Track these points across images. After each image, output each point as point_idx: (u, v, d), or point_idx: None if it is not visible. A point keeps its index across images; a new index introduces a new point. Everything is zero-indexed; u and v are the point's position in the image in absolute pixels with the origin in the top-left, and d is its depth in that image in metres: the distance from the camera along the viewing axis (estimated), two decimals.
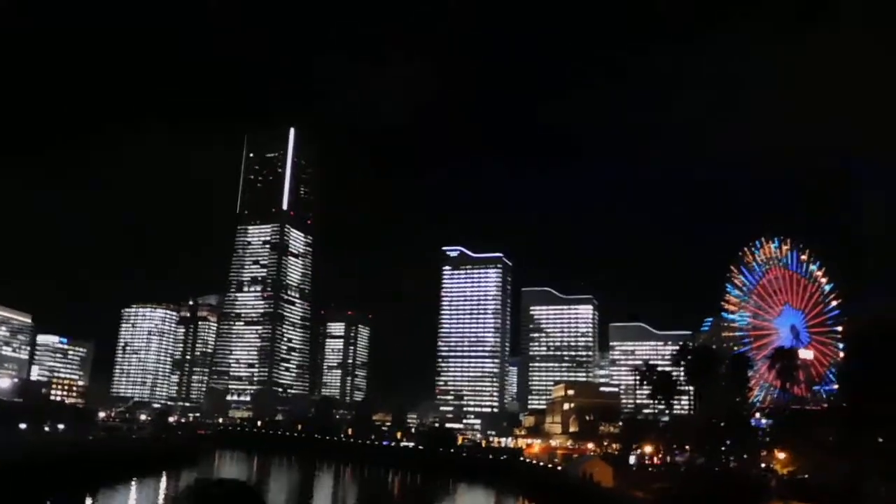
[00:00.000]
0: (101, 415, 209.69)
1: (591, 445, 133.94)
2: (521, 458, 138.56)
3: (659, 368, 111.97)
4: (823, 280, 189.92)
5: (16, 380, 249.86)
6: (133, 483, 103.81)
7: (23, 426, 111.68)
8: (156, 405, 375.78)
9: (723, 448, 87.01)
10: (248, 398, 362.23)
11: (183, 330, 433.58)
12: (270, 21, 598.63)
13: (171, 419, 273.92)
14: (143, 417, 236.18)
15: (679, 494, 55.93)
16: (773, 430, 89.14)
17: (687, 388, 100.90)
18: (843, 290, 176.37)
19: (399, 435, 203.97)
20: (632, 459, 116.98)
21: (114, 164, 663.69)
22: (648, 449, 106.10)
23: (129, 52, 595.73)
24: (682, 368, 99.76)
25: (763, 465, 71.29)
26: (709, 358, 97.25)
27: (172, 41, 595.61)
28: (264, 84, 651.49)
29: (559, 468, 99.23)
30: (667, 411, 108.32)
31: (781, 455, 60.17)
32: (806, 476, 51.80)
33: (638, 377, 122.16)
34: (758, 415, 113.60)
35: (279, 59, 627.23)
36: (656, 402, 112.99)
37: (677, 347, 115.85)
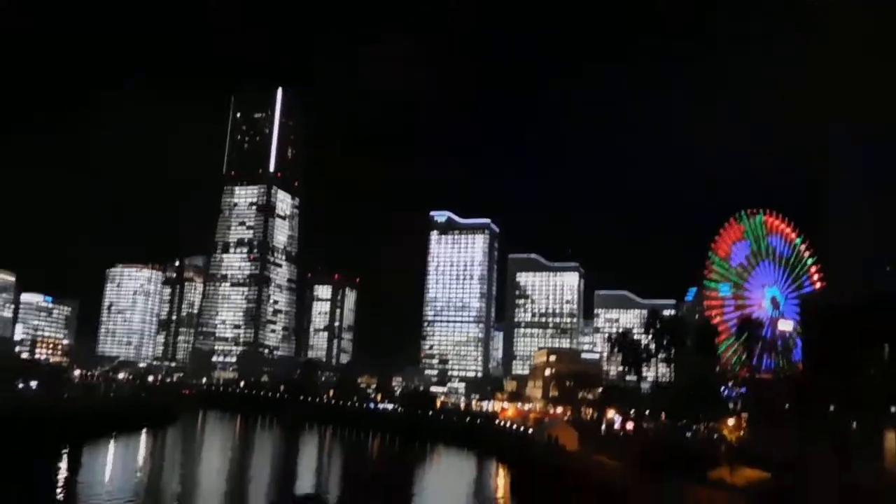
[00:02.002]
0: (77, 373, 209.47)
1: (559, 410, 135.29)
2: (496, 422, 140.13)
3: (634, 336, 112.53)
4: (806, 252, 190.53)
5: None
6: (111, 441, 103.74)
7: None
8: (141, 365, 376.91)
9: (693, 416, 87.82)
10: (233, 359, 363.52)
11: (169, 290, 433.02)
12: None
13: (150, 378, 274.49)
14: (120, 376, 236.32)
15: (634, 457, 56.86)
16: (742, 398, 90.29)
17: (662, 356, 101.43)
18: (823, 260, 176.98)
19: (379, 398, 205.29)
20: (606, 425, 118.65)
21: (100, 123, 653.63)
22: (611, 415, 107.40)
23: (117, 8, 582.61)
24: (650, 336, 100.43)
25: (715, 433, 72.18)
26: (677, 327, 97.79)
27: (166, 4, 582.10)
28: (258, 48, 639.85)
29: (529, 431, 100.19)
30: (636, 379, 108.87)
31: (730, 422, 60.90)
32: (750, 443, 52.50)
33: (609, 344, 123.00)
34: (731, 383, 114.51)
35: (278, 39, 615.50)
36: (626, 369, 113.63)
37: (668, 318, 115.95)
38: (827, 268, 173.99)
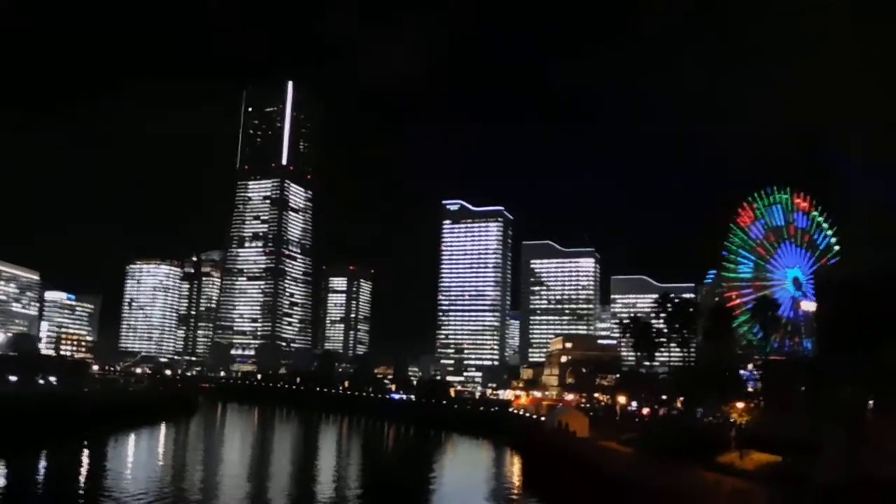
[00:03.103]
0: (95, 368, 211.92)
1: (571, 397, 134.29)
2: (510, 410, 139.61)
3: (647, 320, 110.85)
4: (829, 231, 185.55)
5: (10, 334, 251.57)
6: (131, 433, 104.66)
7: (13, 378, 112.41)
8: (162, 359, 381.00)
9: (709, 400, 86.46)
10: (251, 352, 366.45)
11: (187, 286, 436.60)
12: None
13: (168, 372, 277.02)
14: (138, 371, 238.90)
15: (644, 442, 56.06)
16: (759, 381, 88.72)
17: (677, 338, 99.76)
18: (846, 241, 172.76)
19: (394, 387, 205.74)
20: (621, 411, 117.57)
21: (116, 121, 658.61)
22: (622, 400, 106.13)
23: (130, 5, 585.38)
24: (661, 320, 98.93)
25: (724, 416, 70.91)
26: (689, 309, 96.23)
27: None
28: (266, 41, 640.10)
29: (542, 419, 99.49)
30: (648, 364, 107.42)
31: (739, 405, 59.80)
32: (762, 427, 51.38)
33: (621, 329, 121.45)
34: (750, 366, 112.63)
35: (282, 21, 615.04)
36: (639, 353, 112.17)
37: (679, 301, 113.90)
38: (845, 244, 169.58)
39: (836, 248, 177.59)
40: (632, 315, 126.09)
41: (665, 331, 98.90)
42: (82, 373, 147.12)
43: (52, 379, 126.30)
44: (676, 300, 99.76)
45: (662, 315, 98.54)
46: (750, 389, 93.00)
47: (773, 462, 44.02)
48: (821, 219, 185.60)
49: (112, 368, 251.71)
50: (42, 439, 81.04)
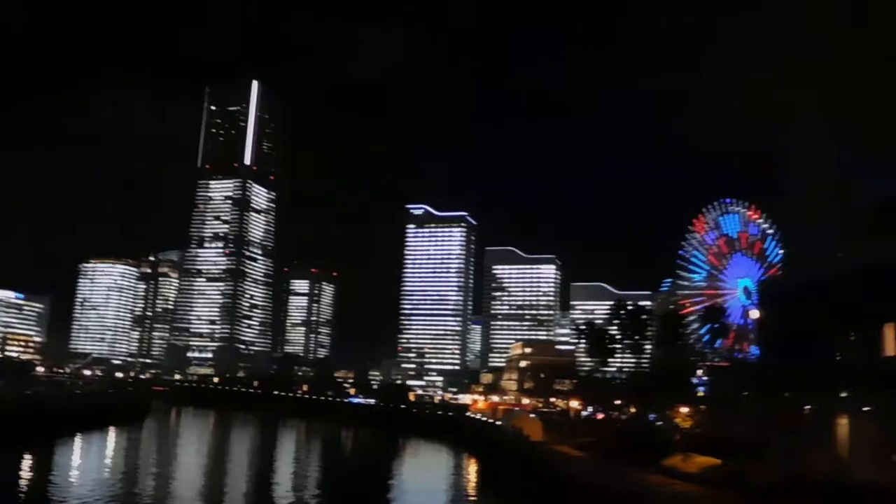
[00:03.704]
0: (41, 369, 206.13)
1: (526, 401, 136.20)
2: (467, 414, 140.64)
3: (601, 327, 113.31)
4: (777, 241, 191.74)
5: None
6: (77, 438, 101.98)
7: None
8: (115, 361, 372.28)
9: (661, 405, 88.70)
10: (209, 355, 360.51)
11: (143, 286, 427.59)
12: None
13: (120, 374, 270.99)
14: (86, 373, 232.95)
15: (596, 446, 57.49)
16: (708, 385, 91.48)
17: (630, 344, 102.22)
18: (791, 250, 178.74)
19: (353, 391, 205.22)
20: (583, 414, 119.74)
21: (74, 118, 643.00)
22: (574, 404, 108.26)
23: (93, 3, 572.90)
24: (614, 326, 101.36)
25: (667, 421, 73.15)
26: (641, 315, 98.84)
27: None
28: (232, 40, 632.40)
29: (498, 423, 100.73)
30: (599, 368, 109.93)
31: (683, 410, 61.77)
32: (707, 430, 53.38)
33: (576, 335, 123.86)
34: (700, 372, 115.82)
35: (249, 20, 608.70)
36: (593, 359, 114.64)
37: (632, 308, 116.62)
38: (790, 254, 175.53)
39: (781, 256, 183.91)
40: (587, 321, 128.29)
41: (618, 337, 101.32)
42: (26, 375, 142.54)
43: None
44: (630, 307, 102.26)
45: (616, 321, 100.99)
46: (700, 394, 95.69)
47: (715, 465, 45.69)
48: (771, 231, 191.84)
49: (61, 370, 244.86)
50: None
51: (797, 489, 35.00)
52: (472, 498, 68.37)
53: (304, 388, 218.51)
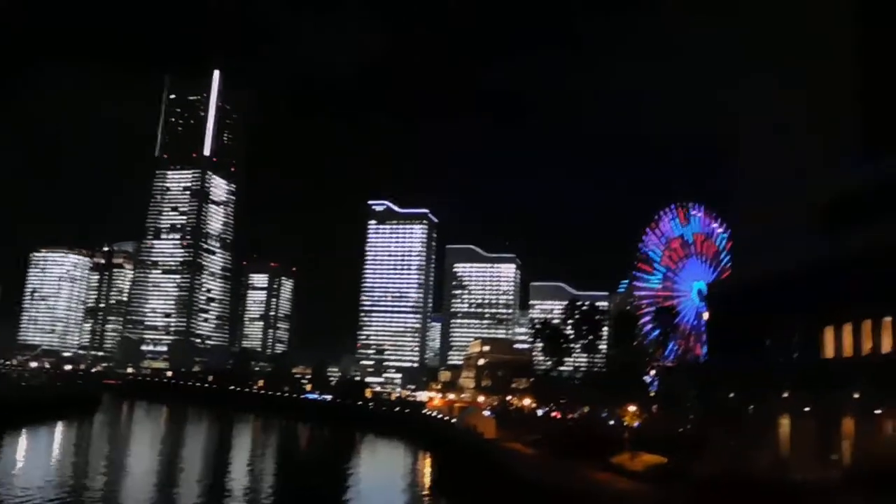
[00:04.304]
0: None
1: (482, 399, 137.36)
2: (424, 412, 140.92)
3: (556, 326, 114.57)
4: (729, 244, 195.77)
5: None
6: (22, 433, 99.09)
7: None
8: (66, 354, 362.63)
9: (614, 403, 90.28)
10: (164, 349, 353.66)
11: (97, 277, 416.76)
12: None
13: (68, 367, 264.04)
14: (34, 365, 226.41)
15: (547, 444, 58.36)
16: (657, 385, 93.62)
17: (584, 344, 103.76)
18: (741, 251, 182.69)
19: (310, 387, 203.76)
20: (539, 413, 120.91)
21: (28, 104, 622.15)
22: (527, 402, 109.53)
23: None
24: (569, 326, 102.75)
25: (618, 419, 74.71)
26: (594, 316, 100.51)
27: None
28: (196, 29, 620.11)
29: (453, 420, 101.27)
30: (554, 367, 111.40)
31: (631, 408, 63.27)
32: (654, 429, 54.66)
33: (532, 334, 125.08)
34: (653, 372, 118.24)
35: (212, 10, 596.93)
36: (548, 358, 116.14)
37: (586, 307, 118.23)
38: (739, 253, 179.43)
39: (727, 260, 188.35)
40: (543, 321, 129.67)
41: (572, 336, 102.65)
42: None
43: None
44: (584, 307, 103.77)
45: (570, 321, 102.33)
46: (652, 393, 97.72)
47: (660, 462, 46.77)
48: (725, 234, 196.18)
49: (7, 363, 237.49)
50: None
51: (734, 485, 36.07)
52: (425, 495, 68.59)
53: (261, 383, 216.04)
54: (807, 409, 48.90)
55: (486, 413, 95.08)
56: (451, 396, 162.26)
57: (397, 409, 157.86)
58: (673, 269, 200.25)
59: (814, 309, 47.46)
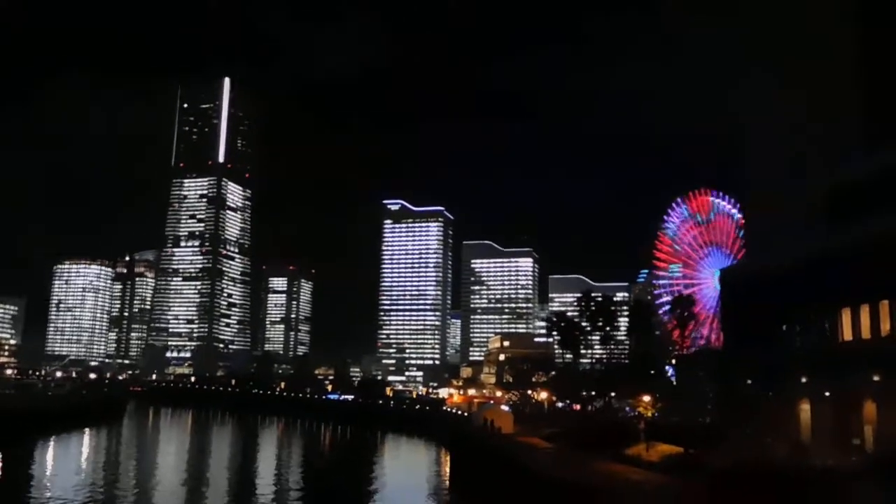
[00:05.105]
0: (9, 372, 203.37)
1: (499, 394, 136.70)
2: (444, 408, 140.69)
3: (571, 318, 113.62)
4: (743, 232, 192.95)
5: None
6: (50, 441, 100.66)
7: None
8: (92, 363, 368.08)
9: (633, 395, 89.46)
10: (188, 355, 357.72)
11: (119, 286, 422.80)
12: None
13: (93, 376, 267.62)
14: (59, 374, 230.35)
15: (563, 437, 57.92)
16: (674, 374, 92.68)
17: (600, 335, 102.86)
18: (750, 239, 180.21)
19: (331, 388, 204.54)
20: (559, 406, 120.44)
21: (47, 118, 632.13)
22: (543, 395, 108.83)
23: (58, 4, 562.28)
24: (585, 317, 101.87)
25: (633, 409, 73.94)
26: (610, 307, 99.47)
27: None
28: (202, 38, 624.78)
29: (470, 416, 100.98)
30: (573, 359, 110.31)
31: (646, 399, 62.44)
32: (672, 419, 53.92)
33: (548, 327, 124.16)
34: (673, 361, 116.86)
35: (221, 18, 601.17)
36: (564, 351, 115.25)
37: (601, 299, 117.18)
38: (753, 240, 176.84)
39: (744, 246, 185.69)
40: (558, 314, 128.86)
41: (588, 329, 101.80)
42: None
43: None
44: (598, 298, 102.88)
45: (586, 313, 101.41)
46: (673, 383, 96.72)
47: (676, 453, 46.13)
48: (744, 220, 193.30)
49: (36, 373, 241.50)
50: None
51: (752, 474, 35.38)
52: (442, 490, 68.46)
53: (283, 385, 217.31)
54: (827, 393, 47.93)
55: (504, 408, 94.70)
56: (472, 392, 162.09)
57: (417, 406, 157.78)
58: (693, 256, 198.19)
59: (830, 292, 46.52)
